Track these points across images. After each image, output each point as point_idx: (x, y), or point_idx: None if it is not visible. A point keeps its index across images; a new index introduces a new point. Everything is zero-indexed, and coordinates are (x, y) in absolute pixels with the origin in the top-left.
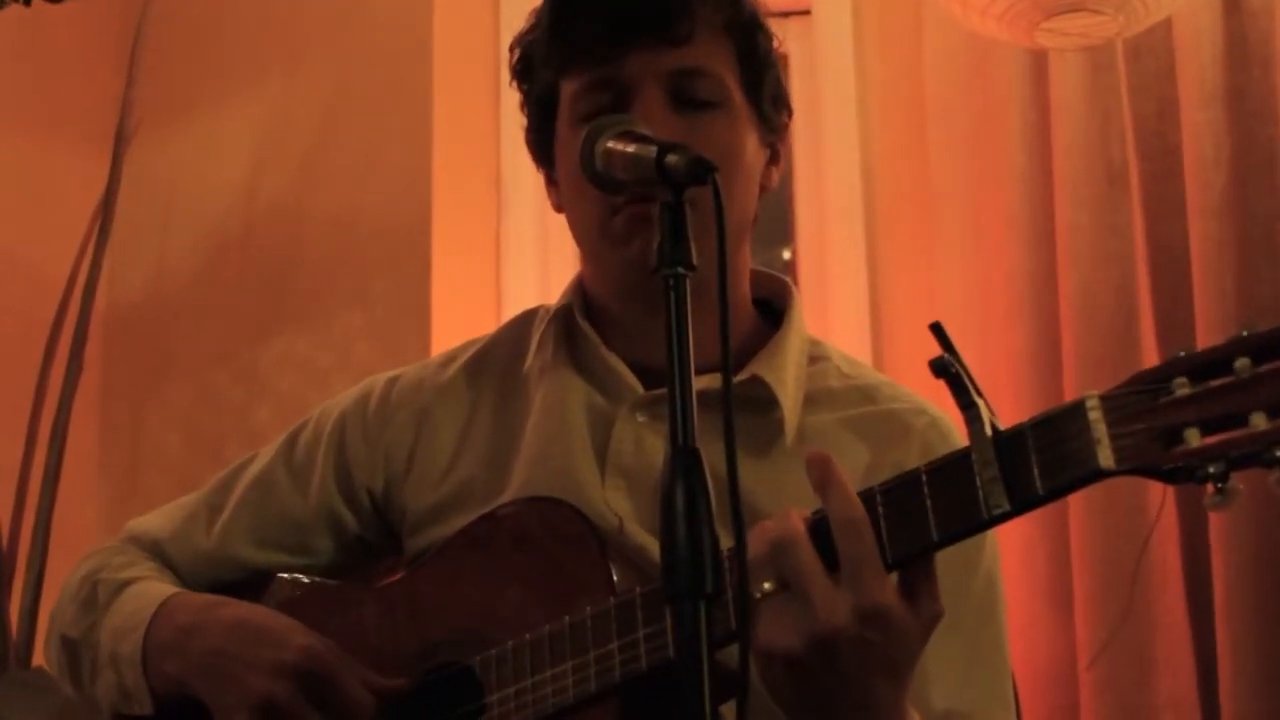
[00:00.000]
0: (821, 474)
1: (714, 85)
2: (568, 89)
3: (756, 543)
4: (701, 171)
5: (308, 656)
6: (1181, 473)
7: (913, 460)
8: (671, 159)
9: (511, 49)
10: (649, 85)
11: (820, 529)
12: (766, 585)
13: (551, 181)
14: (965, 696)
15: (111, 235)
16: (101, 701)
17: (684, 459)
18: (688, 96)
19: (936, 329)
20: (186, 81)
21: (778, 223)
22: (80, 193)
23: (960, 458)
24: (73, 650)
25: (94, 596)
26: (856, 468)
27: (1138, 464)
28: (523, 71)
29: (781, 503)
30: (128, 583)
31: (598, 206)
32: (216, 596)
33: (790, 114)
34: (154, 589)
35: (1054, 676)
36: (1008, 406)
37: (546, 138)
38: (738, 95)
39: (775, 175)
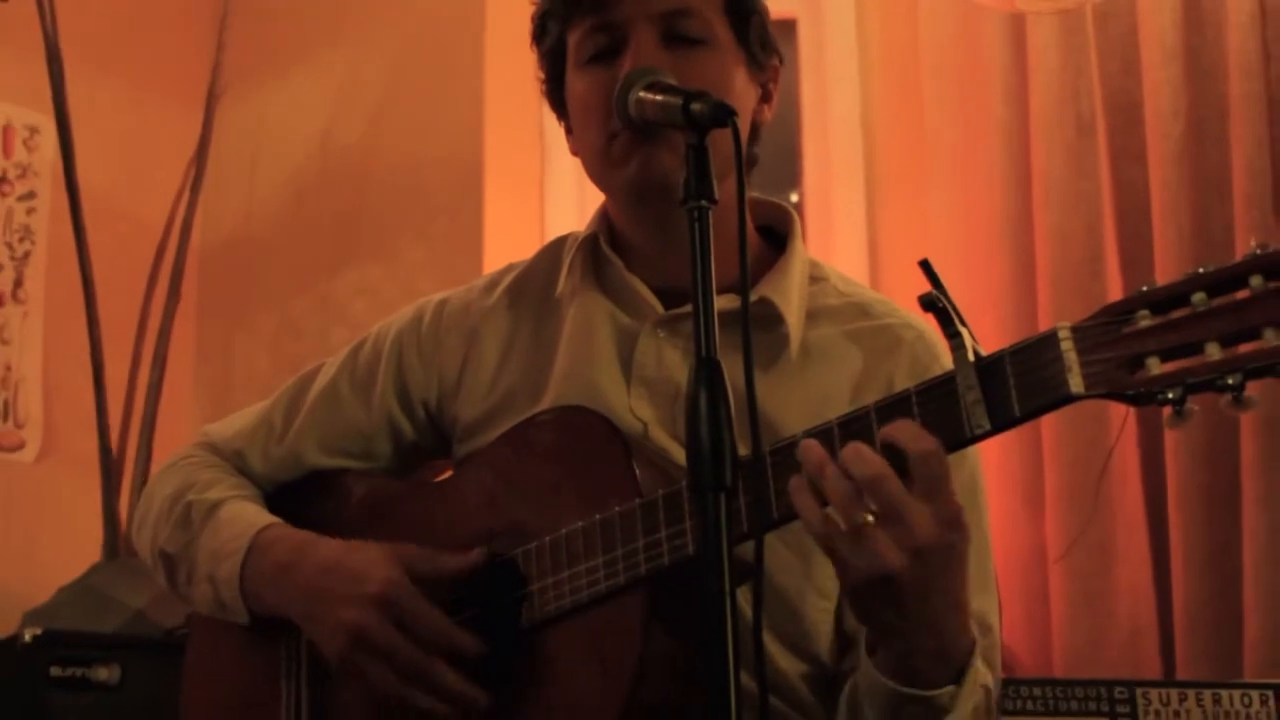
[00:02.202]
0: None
1: (702, 24)
2: (573, 38)
3: (836, 478)
4: (723, 115)
5: (388, 586)
6: (1144, 397)
7: (902, 371)
8: (696, 106)
9: (532, 18)
10: (642, 25)
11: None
12: (869, 517)
13: (569, 130)
14: None
15: (204, 181)
16: (196, 604)
17: (707, 369)
18: (678, 34)
19: (925, 266)
20: (270, 45)
21: (787, 169)
22: (177, 144)
23: (946, 381)
24: (169, 561)
25: (188, 517)
26: (852, 374)
27: (1105, 389)
28: (538, 34)
29: (787, 408)
30: (217, 504)
31: (599, 135)
32: (305, 534)
33: (781, 59)
34: (243, 514)
35: (1027, 566)
36: (991, 328)
37: (560, 87)
38: (725, 35)
39: (768, 112)
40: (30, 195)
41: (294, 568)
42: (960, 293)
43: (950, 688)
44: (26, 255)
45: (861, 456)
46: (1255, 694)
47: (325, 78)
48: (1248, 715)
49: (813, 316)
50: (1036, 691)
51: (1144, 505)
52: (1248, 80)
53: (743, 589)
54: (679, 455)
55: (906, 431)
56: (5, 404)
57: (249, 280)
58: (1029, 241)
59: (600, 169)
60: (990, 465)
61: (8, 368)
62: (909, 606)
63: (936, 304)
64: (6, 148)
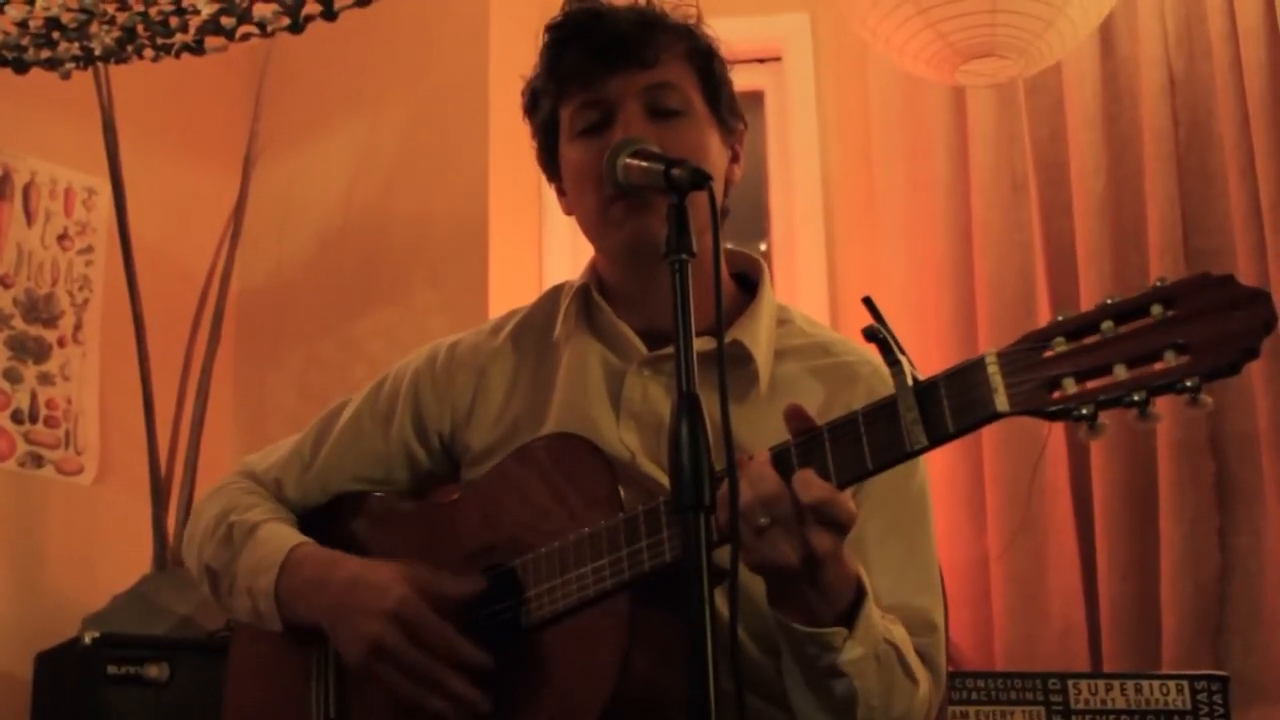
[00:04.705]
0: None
1: (680, 97)
2: (565, 112)
3: (745, 490)
4: (701, 180)
5: (402, 603)
6: (1061, 413)
7: (859, 401)
8: (677, 172)
9: (522, 93)
10: (628, 101)
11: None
12: (763, 521)
13: (561, 192)
14: (904, 585)
15: (241, 235)
16: (236, 613)
17: (688, 403)
18: (659, 107)
19: (868, 302)
20: (299, 116)
21: (756, 221)
22: (217, 202)
23: (888, 403)
24: (214, 575)
25: (230, 536)
26: (815, 405)
27: (1027, 407)
28: (530, 107)
29: (758, 437)
30: (256, 525)
31: (596, 199)
32: (331, 553)
33: (746, 124)
34: (278, 534)
35: (971, 571)
36: (937, 361)
37: (553, 156)
38: (700, 106)
39: (738, 172)
40: (89, 249)
41: (322, 583)
42: (910, 329)
43: (841, 629)
44: (85, 302)
45: (768, 478)
46: (1172, 684)
47: (347, 144)
48: (1165, 703)
49: (780, 355)
50: (980, 683)
51: (1074, 518)
52: (1159, 143)
53: (719, 591)
54: (664, 479)
55: (802, 486)
56: (66, 433)
57: (280, 323)
58: (970, 285)
59: (597, 230)
60: (937, 480)
61: (69, 401)
62: (798, 586)
63: (878, 336)
64: (68, 207)
